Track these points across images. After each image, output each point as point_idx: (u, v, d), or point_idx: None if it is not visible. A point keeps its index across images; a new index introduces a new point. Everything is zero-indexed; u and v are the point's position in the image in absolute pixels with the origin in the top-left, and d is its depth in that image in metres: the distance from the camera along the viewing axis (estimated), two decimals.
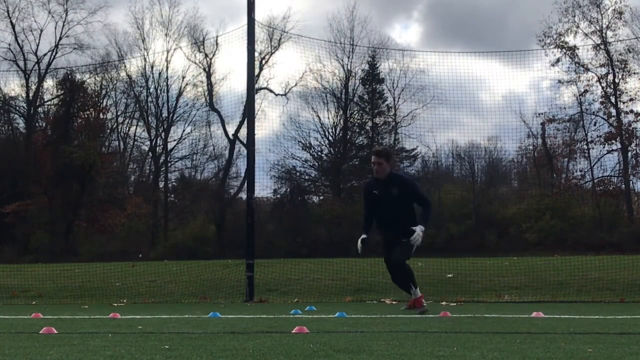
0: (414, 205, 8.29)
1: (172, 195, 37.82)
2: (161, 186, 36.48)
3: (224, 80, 36.58)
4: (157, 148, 36.30)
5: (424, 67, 32.09)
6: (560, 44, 31.73)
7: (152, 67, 36.02)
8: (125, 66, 36.29)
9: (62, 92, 36.76)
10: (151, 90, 36.04)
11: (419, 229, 7.92)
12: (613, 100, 31.41)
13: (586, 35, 31.95)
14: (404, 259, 8.16)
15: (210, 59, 35.69)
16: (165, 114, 36.12)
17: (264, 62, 34.53)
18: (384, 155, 8.31)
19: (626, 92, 31.33)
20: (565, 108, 31.78)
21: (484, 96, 41.45)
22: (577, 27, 31.97)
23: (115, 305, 12.51)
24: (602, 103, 31.73)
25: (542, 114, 31.40)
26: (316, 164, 36.25)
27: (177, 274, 16.36)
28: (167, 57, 35.95)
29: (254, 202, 14.28)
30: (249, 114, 15.22)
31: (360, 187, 32.27)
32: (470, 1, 49.44)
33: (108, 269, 17.92)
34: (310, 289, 14.04)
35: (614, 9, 31.45)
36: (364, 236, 8.37)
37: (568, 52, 31.61)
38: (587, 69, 31.66)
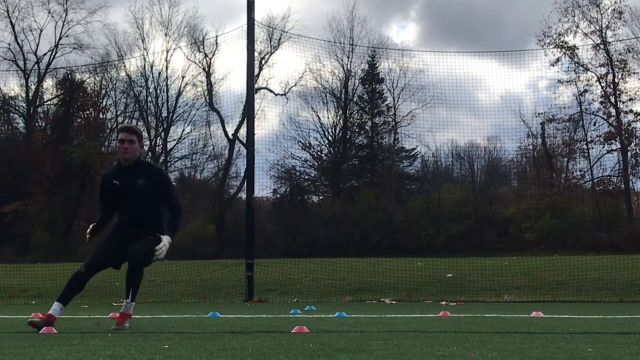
0: (161, 211, 6.42)
1: None
2: None
3: (223, 80, 36.63)
4: (157, 148, 36.31)
5: (423, 67, 32.17)
6: (560, 44, 31.74)
7: (152, 67, 36.07)
8: (125, 66, 36.33)
9: (62, 92, 36.74)
10: (151, 90, 36.10)
11: (166, 240, 6.22)
12: (613, 100, 31.42)
13: (586, 35, 31.98)
14: (148, 260, 6.42)
15: (210, 59, 35.73)
16: (165, 114, 36.18)
17: (263, 62, 34.54)
18: (137, 133, 6.37)
19: (626, 92, 31.36)
20: (565, 108, 31.83)
21: (482, 96, 41.46)
22: (577, 27, 32.01)
23: (115, 305, 12.51)
24: (602, 103, 31.74)
25: (541, 114, 31.43)
26: (316, 164, 36.26)
27: (177, 274, 16.35)
28: (167, 57, 36.01)
29: (254, 202, 14.28)
30: (248, 114, 15.22)
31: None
32: (467, 1, 49.45)
33: (108, 268, 17.91)
34: (310, 289, 14.04)
35: (614, 9, 31.50)
36: (94, 224, 6.49)
37: (568, 52, 31.61)
38: (587, 69, 31.67)
